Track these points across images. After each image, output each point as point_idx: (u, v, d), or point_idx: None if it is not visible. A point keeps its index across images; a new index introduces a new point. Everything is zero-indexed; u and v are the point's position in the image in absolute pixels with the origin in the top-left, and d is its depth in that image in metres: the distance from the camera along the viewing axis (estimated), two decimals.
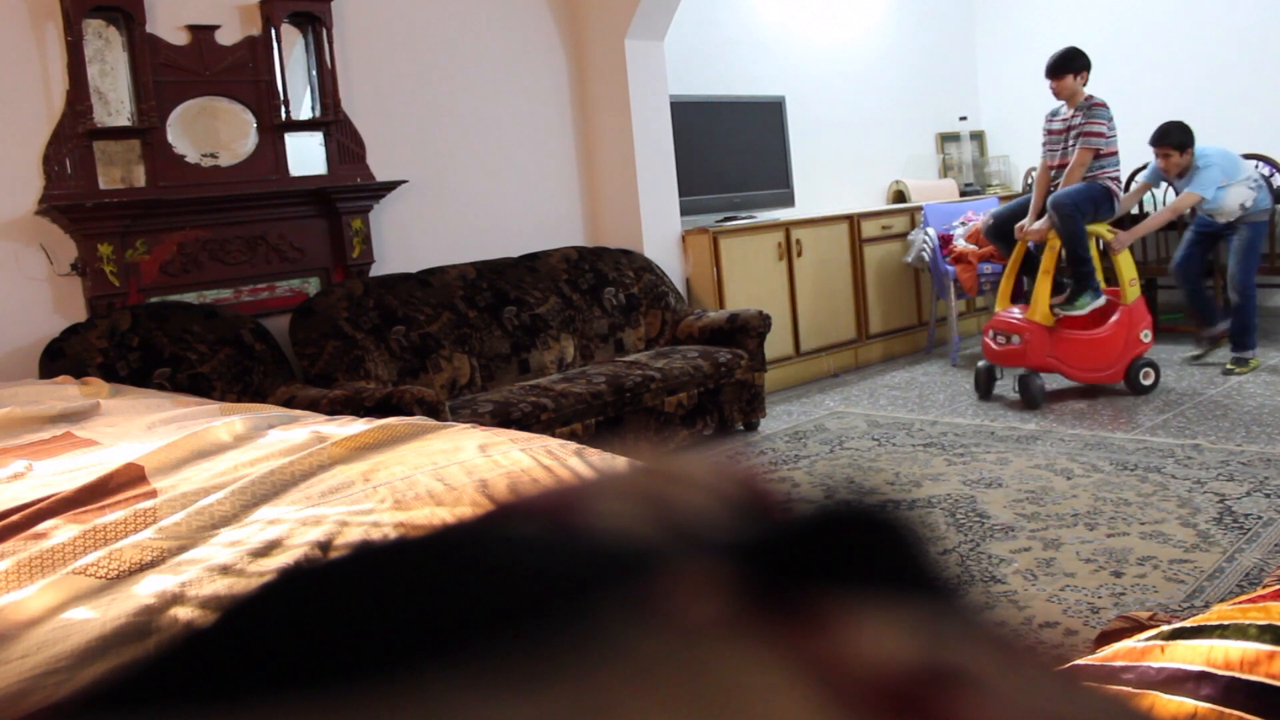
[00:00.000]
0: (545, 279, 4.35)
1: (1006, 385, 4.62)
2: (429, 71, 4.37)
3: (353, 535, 1.38)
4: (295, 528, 1.41)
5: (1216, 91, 6.28)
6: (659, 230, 4.89)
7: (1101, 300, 4.45)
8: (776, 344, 4.94)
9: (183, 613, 1.23)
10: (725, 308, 4.79)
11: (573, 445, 1.76)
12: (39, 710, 1.10)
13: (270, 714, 0.24)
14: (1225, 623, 0.94)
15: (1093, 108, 4.44)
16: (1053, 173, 4.57)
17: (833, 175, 6.22)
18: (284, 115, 3.82)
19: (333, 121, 3.93)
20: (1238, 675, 0.88)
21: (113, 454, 1.89)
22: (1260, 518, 2.91)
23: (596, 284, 4.47)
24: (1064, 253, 4.41)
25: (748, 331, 4.34)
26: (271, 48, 3.80)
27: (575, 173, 4.94)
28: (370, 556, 0.29)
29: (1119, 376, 4.43)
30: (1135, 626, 1.30)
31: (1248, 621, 0.93)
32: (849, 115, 6.35)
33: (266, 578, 0.28)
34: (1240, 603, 1.02)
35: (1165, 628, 1.01)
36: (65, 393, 2.56)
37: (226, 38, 3.72)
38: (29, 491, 1.66)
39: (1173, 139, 4.77)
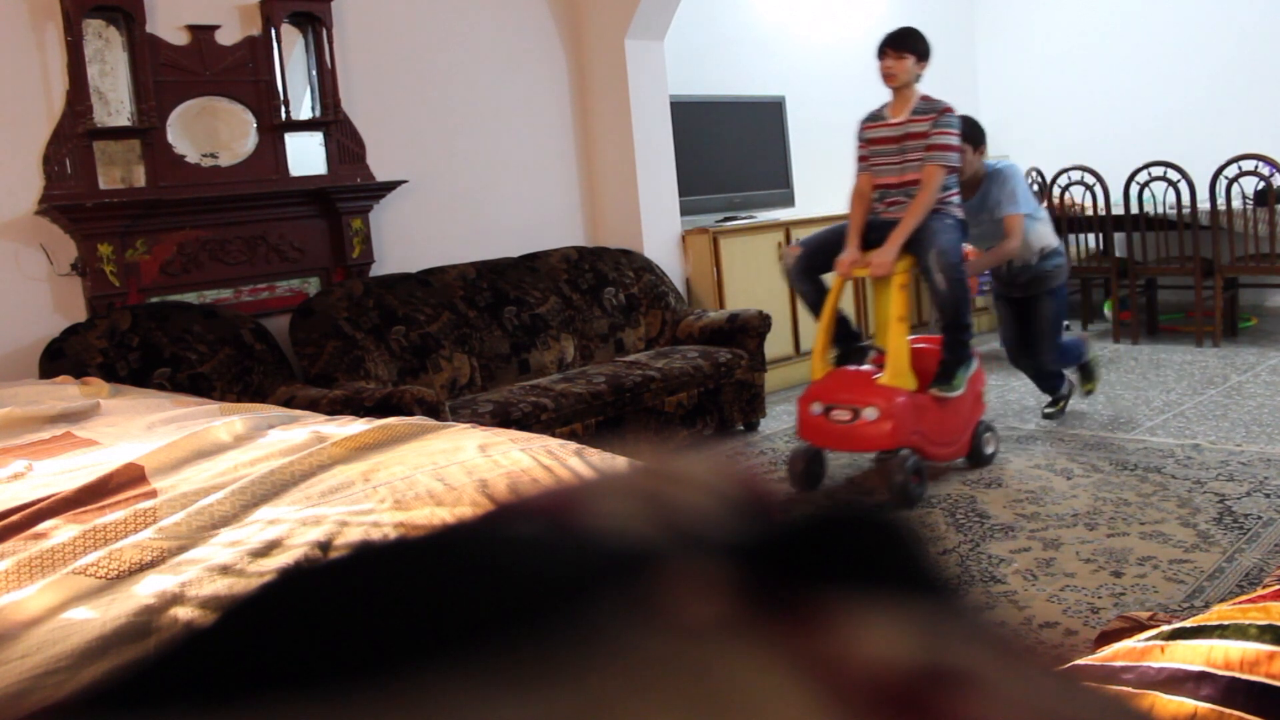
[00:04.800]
0: (545, 279, 4.35)
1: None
2: (429, 71, 4.36)
3: (353, 535, 1.38)
4: (295, 528, 1.41)
5: (1216, 91, 6.29)
6: (659, 230, 4.89)
7: (975, 367, 3.53)
8: (776, 344, 4.94)
9: (183, 613, 1.23)
10: (725, 308, 4.79)
11: (573, 445, 1.77)
12: (39, 710, 1.10)
13: (270, 714, 0.24)
14: (1225, 623, 0.94)
15: (943, 114, 3.53)
16: (878, 192, 3.61)
17: (833, 175, 6.22)
18: (284, 115, 3.82)
19: (333, 121, 3.93)
20: (1238, 675, 0.88)
21: (113, 454, 1.89)
22: (1260, 518, 2.91)
23: (596, 284, 4.47)
24: (944, 320, 3.48)
25: (748, 331, 4.34)
26: (271, 48, 3.80)
27: (575, 173, 4.94)
28: (370, 556, 0.29)
29: (966, 449, 3.55)
30: (1135, 626, 1.30)
31: (1248, 621, 0.93)
32: (849, 115, 6.33)
33: (266, 578, 0.28)
34: (1240, 603, 1.02)
35: (1165, 628, 1.01)
36: (65, 393, 2.56)
37: (226, 38, 3.72)
38: (29, 491, 1.66)
39: (964, 131, 3.75)
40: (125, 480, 1.65)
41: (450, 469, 1.59)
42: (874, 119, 3.73)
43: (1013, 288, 4.11)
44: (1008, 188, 3.86)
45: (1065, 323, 4.25)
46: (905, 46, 3.65)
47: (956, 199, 3.57)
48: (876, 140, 3.64)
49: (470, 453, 1.67)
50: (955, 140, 3.50)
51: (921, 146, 3.50)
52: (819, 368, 3.55)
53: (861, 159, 3.68)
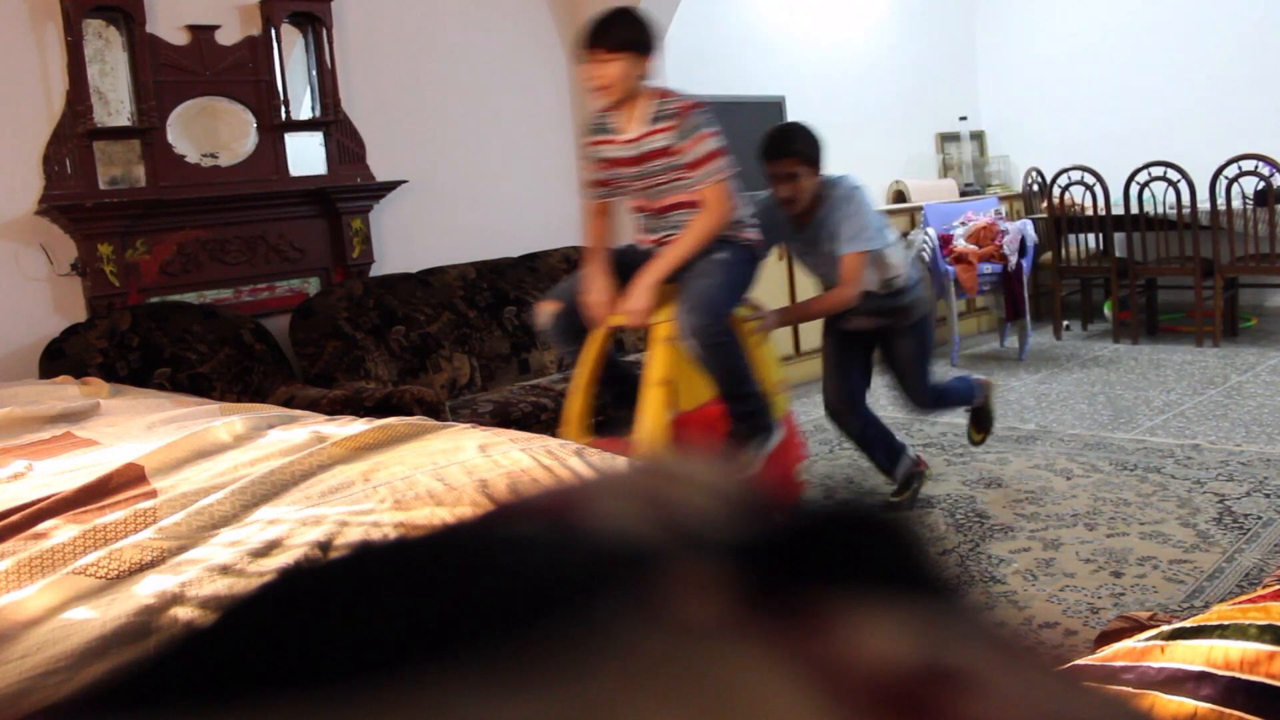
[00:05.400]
0: (545, 279, 4.35)
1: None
2: (429, 71, 4.36)
3: (353, 535, 1.38)
4: (295, 528, 1.41)
5: (1216, 92, 6.29)
6: None
7: (775, 441, 2.82)
8: (777, 344, 4.94)
9: (183, 613, 1.23)
10: None
11: (573, 445, 1.77)
12: (39, 710, 1.10)
13: (270, 714, 0.24)
14: (1225, 623, 0.94)
15: (689, 112, 2.66)
16: (640, 218, 2.86)
17: None
18: (284, 115, 3.82)
19: (333, 121, 3.93)
20: (1238, 675, 0.88)
21: (113, 454, 1.89)
22: (1260, 518, 2.91)
23: None
24: (719, 388, 2.72)
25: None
26: (271, 48, 3.80)
27: (575, 173, 4.93)
28: (371, 557, 0.29)
29: None
30: (1135, 626, 1.30)
31: (1248, 621, 0.93)
32: (849, 115, 6.35)
33: (266, 578, 0.28)
34: (1240, 603, 1.02)
35: (1165, 628, 1.01)
36: (65, 393, 2.56)
37: (226, 38, 3.72)
38: (29, 491, 1.66)
39: (797, 148, 2.97)
40: (125, 480, 1.65)
41: (450, 469, 1.59)
42: (599, 132, 2.78)
43: (850, 316, 3.16)
44: (849, 213, 2.97)
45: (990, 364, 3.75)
46: (615, 43, 2.61)
47: (747, 220, 2.83)
48: (611, 161, 2.78)
49: (470, 453, 1.67)
50: (718, 141, 2.70)
51: (672, 166, 2.69)
52: (573, 437, 2.79)
53: (599, 184, 2.83)
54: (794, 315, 3.40)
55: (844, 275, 3.01)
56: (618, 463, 1.65)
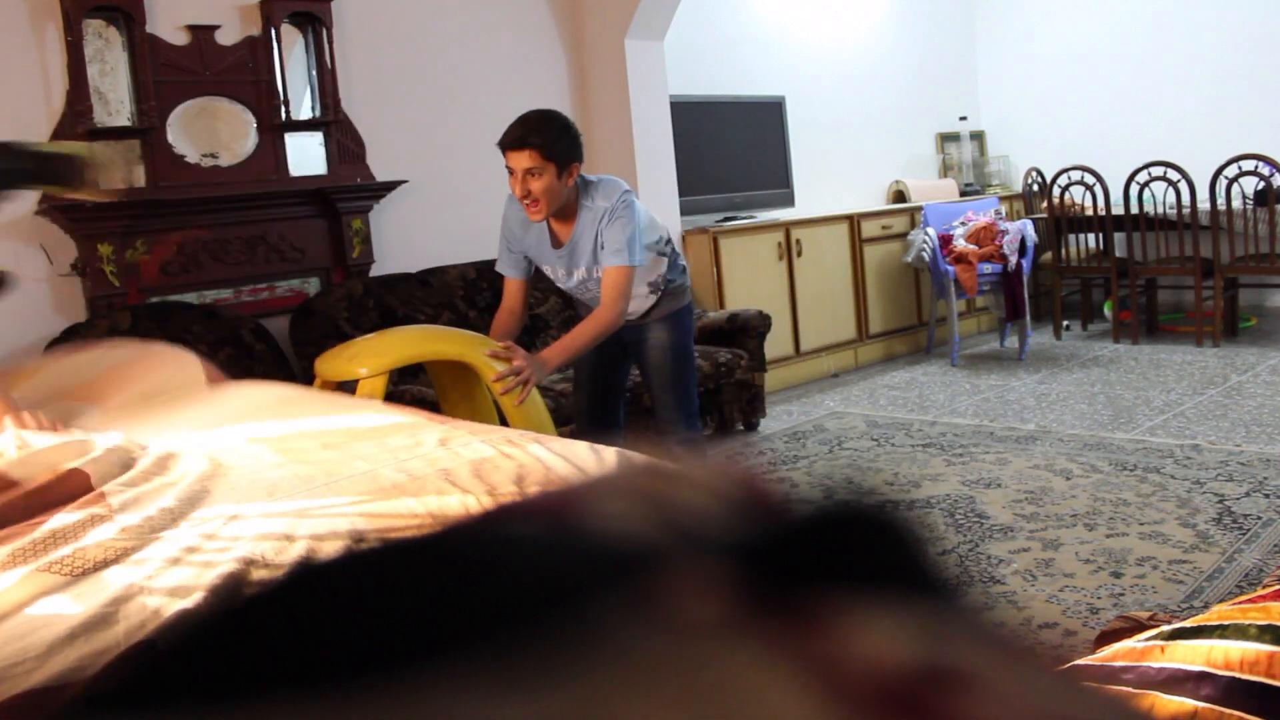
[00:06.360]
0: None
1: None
2: (429, 71, 4.36)
3: (320, 528, 1.39)
4: (258, 521, 1.42)
5: (1216, 92, 6.29)
6: None
7: None
8: (776, 344, 4.94)
9: (149, 604, 1.24)
10: (725, 307, 4.79)
11: (531, 434, 1.78)
12: (24, 709, 1.11)
13: (270, 715, 0.24)
14: (1225, 623, 0.94)
15: None
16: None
17: (833, 175, 6.23)
18: (284, 115, 3.82)
19: (333, 121, 3.93)
20: (1238, 675, 0.88)
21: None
22: (1259, 518, 2.91)
23: None
24: None
25: (748, 331, 4.34)
26: (271, 48, 3.80)
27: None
28: (371, 557, 0.29)
29: None
30: (1135, 627, 1.30)
31: (1248, 621, 0.93)
32: (849, 115, 6.35)
33: (268, 578, 0.28)
34: (1240, 603, 1.02)
35: (1165, 628, 1.01)
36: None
37: (226, 38, 3.72)
38: None
39: (538, 140, 2.55)
40: (86, 482, 1.63)
41: (412, 462, 1.61)
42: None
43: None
44: (614, 226, 2.65)
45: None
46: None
47: None
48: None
49: (430, 446, 1.69)
50: None
51: None
52: None
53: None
54: (559, 355, 2.71)
55: (605, 292, 2.67)
56: (578, 448, 1.67)
